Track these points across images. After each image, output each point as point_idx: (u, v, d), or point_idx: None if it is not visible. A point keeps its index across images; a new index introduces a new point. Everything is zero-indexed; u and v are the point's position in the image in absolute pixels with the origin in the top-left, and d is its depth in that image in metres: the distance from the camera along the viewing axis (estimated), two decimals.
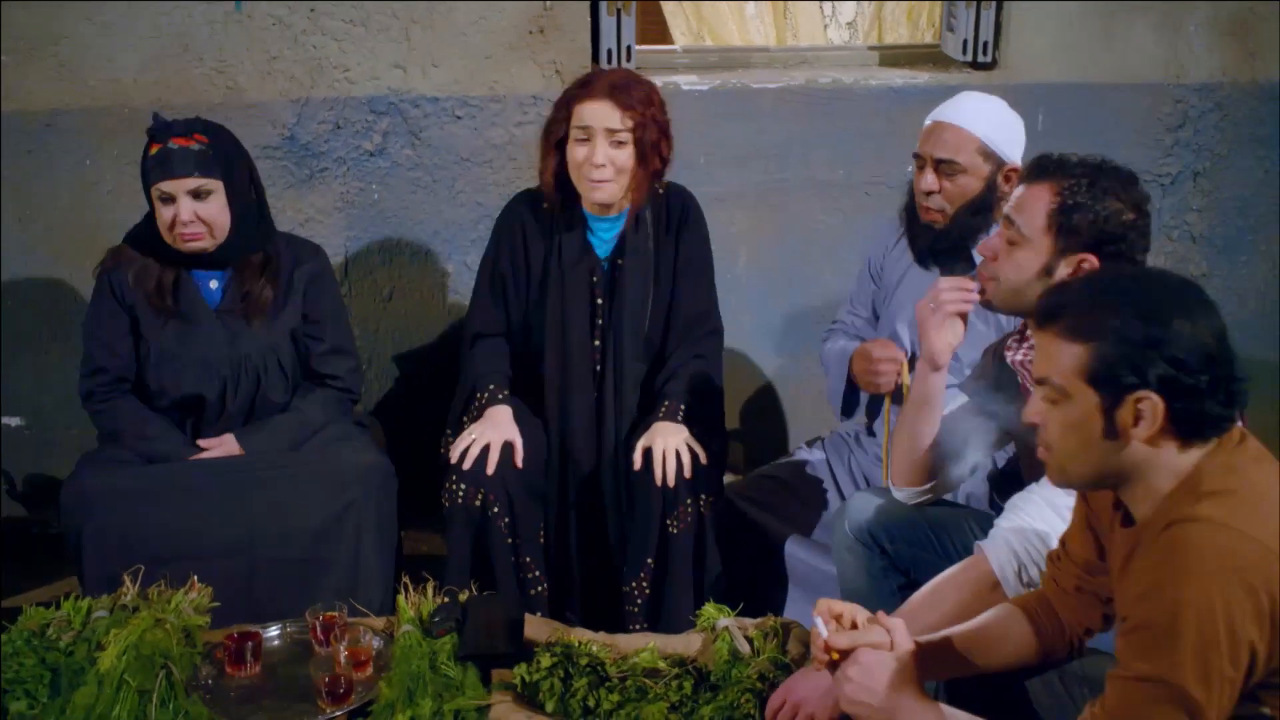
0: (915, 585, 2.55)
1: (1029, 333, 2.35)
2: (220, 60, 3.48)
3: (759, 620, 2.63)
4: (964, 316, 2.44)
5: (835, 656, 1.85)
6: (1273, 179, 3.99)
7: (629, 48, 3.60)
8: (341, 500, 2.86)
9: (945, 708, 1.81)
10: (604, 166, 2.86)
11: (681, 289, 3.04)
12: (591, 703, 2.37)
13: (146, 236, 2.97)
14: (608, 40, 3.58)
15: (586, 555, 3.02)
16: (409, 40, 3.53)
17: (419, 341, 3.78)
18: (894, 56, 3.96)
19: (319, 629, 2.55)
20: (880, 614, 1.92)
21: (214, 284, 2.98)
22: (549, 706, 2.37)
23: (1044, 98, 3.78)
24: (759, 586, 2.98)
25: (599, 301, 3.02)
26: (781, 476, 3.18)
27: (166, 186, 2.83)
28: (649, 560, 2.89)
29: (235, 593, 2.68)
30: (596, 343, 3.02)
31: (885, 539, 2.55)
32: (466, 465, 2.82)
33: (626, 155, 2.88)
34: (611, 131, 2.85)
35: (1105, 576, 1.92)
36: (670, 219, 3.04)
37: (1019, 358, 2.38)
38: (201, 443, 2.96)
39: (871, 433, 3.15)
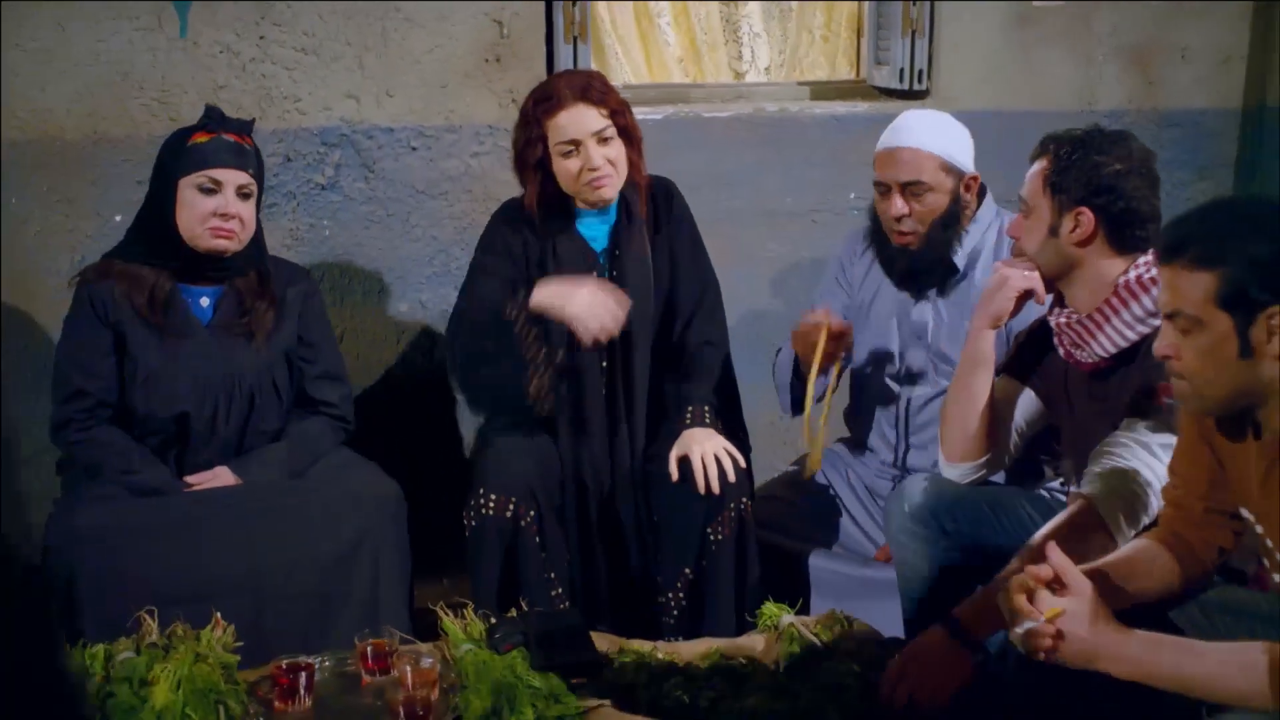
0: (974, 565, 2.56)
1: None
2: (162, 90, 3.28)
3: (820, 615, 2.58)
4: (1026, 295, 2.49)
5: (1053, 615, 1.80)
6: (1172, 200, 4.23)
7: None
8: (356, 529, 2.68)
9: (1140, 632, 1.79)
10: (604, 165, 2.82)
11: (679, 274, 3.00)
12: (687, 700, 2.26)
13: (136, 245, 2.77)
14: (564, 69, 3.54)
15: (612, 568, 2.90)
16: (362, 69, 3.42)
17: (372, 383, 3.59)
18: (823, 90, 4.06)
19: (370, 656, 2.36)
20: (1051, 560, 1.89)
21: (205, 301, 2.79)
22: (644, 708, 2.26)
23: (972, 124, 3.89)
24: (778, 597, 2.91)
25: None
26: (785, 497, 3.14)
27: (219, 174, 2.70)
28: (686, 570, 2.79)
29: (243, 632, 2.45)
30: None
31: (947, 519, 2.54)
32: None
33: (617, 148, 2.85)
34: (597, 133, 2.81)
35: (1226, 492, 1.95)
36: (657, 208, 3.02)
37: (1061, 320, 2.43)
38: (190, 479, 2.72)
39: (869, 448, 3.14)
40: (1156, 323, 2.29)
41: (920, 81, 3.89)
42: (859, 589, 2.86)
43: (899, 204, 2.89)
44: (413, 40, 3.43)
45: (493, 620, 2.53)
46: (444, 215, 3.56)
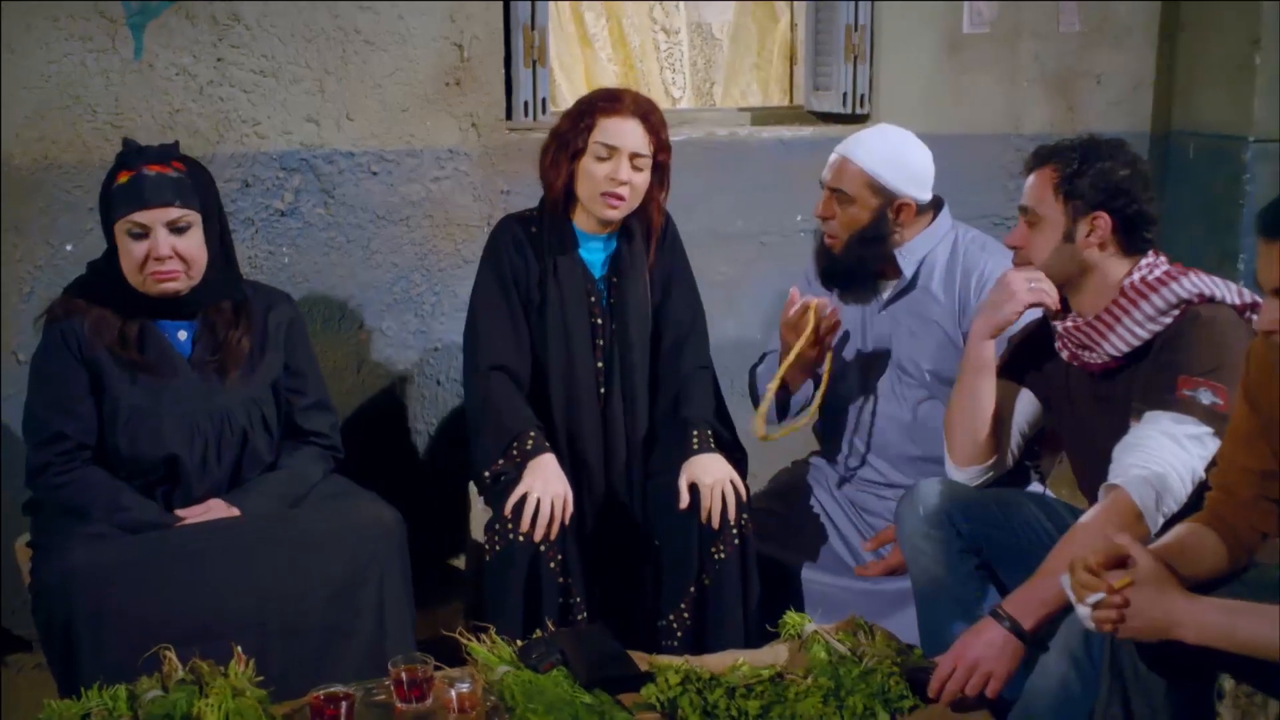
0: (988, 566, 2.63)
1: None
2: (116, 113, 3.16)
3: (839, 623, 2.61)
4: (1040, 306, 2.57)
5: (1123, 584, 1.85)
6: None
7: (544, 100, 3.57)
8: (361, 558, 2.59)
9: (1210, 599, 1.86)
10: (625, 186, 2.82)
11: (671, 302, 3.02)
12: (735, 711, 2.26)
13: (99, 285, 2.63)
14: (524, 93, 3.54)
15: (617, 588, 2.89)
16: (323, 92, 3.35)
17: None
18: (763, 116, 4.13)
19: (405, 683, 2.29)
20: (1116, 539, 1.95)
21: (182, 335, 2.65)
22: (691, 718, 2.25)
23: None
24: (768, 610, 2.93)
25: (598, 321, 2.94)
26: (777, 510, 3.16)
27: (141, 217, 2.53)
28: (690, 589, 2.79)
29: None
30: (600, 364, 2.94)
31: (962, 520, 2.59)
32: (525, 525, 2.65)
33: (644, 179, 2.87)
34: (636, 154, 2.83)
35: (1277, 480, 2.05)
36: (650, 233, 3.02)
37: (1068, 324, 2.52)
38: (182, 512, 2.60)
39: (835, 461, 3.18)
40: (1168, 320, 2.40)
41: (863, 106, 3.99)
42: (854, 601, 2.88)
43: (823, 205, 2.98)
44: (373, 63, 3.38)
45: (519, 643, 2.49)
46: (405, 241, 3.51)
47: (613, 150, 2.81)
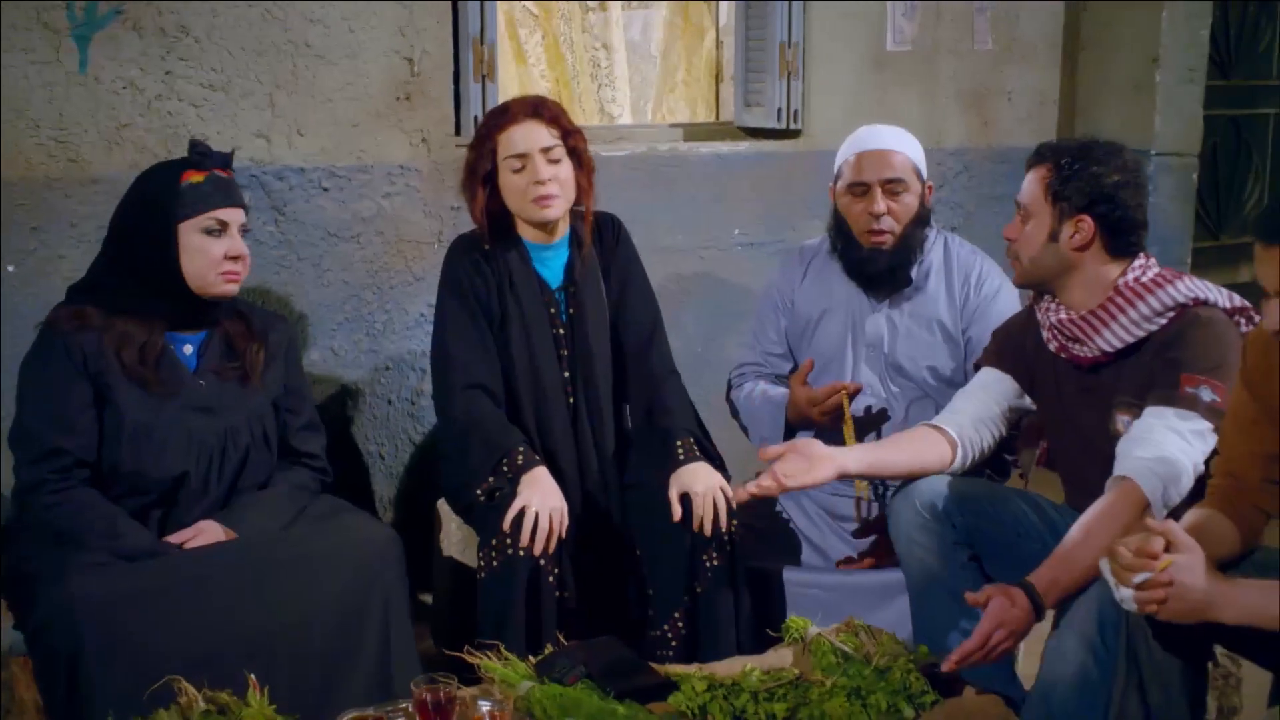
0: (978, 558, 2.70)
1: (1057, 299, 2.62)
2: (60, 129, 3.03)
3: (838, 625, 2.65)
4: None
5: (1167, 565, 1.94)
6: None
7: None
8: (365, 580, 2.53)
9: (1245, 580, 1.95)
10: (550, 182, 2.84)
11: (629, 304, 3.04)
12: (763, 715, 2.28)
13: (115, 294, 2.54)
14: (474, 108, 3.51)
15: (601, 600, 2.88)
16: (273, 107, 3.27)
17: None
18: (694, 132, 4.18)
19: (429, 705, 2.24)
20: (1152, 524, 2.03)
21: (188, 349, 2.60)
22: None
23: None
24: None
25: (560, 332, 2.95)
26: (743, 520, 3.18)
27: (225, 215, 2.56)
28: (684, 598, 2.79)
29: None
30: (565, 374, 2.94)
31: (956, 512, 2.65)
32: (525, 540, 2.62)
33: (566, 169, 2.88)
34: (546, 150, 2.84)
35: None
36: (604, 241, 3.06)
37: (1062, 316, 2.61)
38: (173, 538, 2.50)
39: None
40: (1163, 321, 2.51)
41: (796, 121, 4.07)
42: (836, 599, 2.92)
43: (880, 203, 3.02)
44: (324, 78, 3.32)
45: (531, 659, 2.46)
46: (356, 259, 3.44)
47: (523, 157, 2.83)
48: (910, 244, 3.08)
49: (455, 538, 3.08)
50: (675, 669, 2.48)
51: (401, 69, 3.42)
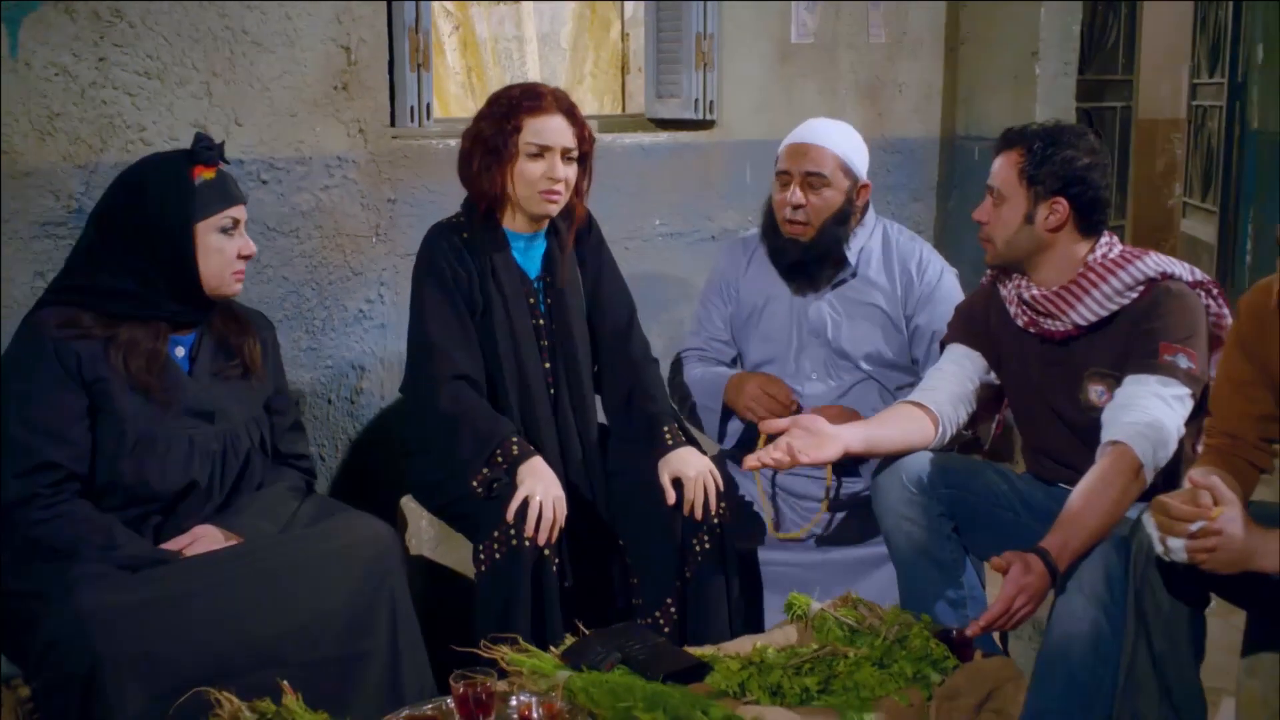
0: (959, 530, 2.81)
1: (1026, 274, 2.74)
2: None
3: (835, 600, 2.71)
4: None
5: (1219, 514, 2.06)
6: (898, 219, 4.76)
7: (429, 105, 3.49)
8: (372, 580, 2.46)
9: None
10: (563, 182, 2.84)
11: (605, 293, 3.05)
12: (799, 688, 2.33)
13: (114, 297, 2.40)
14: (409, 98, 3.45)
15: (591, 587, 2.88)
16: (210, 95, 3.13)
17: None
18: (607, 124, 4.20)
19: (471, 700, 2.21)
20: (1198, 479, 2.16)
21: (180, 351, 2.48)
22: (764, 700, 2.30)
23: (750, 153, 4.24)
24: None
25: (540, 323, 2.94)
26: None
27: (238, 212, 2.48)
28: (675, 583, 2.81)
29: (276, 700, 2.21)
30: (547, 364, 2.93)
31: (940, 484, 2.75)
32: (530, 530, 2.59)
33: (574, 172, 2.90)
34: (566, 150, 2.84)
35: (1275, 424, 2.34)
36: (579, 234, 3.05)
37: (1035, 293, 2.73)
38: (169, 546, 2.39)
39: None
40: (1134, 295, 2.66)
41: (712, 112, 4.13)
42: (811, 574, 3.00)
43: (796, 194, 3.09)
44: (261, 65, 3.20)
45: (553, 649, 2.45)
46: (295, 254, 3.33)
47: (545, 149, 2.82)
48: (827, 240, 3.13)
49: (426, 535, 3.02)
50: (696, 651, 2.50)
51: (339, 58, 3.33)
